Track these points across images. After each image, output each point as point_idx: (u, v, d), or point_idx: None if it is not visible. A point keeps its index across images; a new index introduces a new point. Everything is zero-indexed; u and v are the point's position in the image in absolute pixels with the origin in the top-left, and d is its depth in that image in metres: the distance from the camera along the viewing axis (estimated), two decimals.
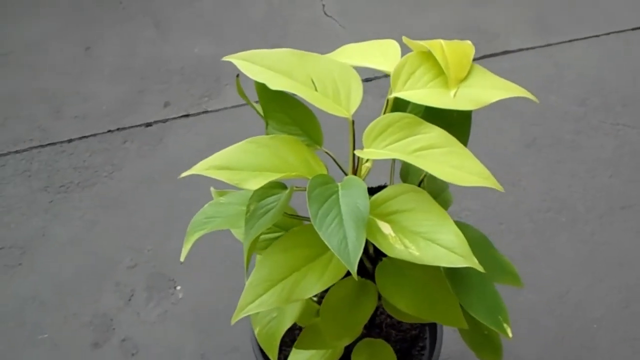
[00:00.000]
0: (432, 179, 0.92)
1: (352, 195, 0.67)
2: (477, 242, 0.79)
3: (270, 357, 0.88)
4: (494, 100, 0.74)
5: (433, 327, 1.12)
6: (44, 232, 1.53)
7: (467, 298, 0.72)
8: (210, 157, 0.72)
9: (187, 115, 1.74)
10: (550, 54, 1.83)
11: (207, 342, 1.35)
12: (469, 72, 0.77)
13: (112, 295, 1.42)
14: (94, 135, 1.70)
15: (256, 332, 0.89)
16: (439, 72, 0.77)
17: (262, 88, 0.78)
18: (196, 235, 0.80)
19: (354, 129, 0.75)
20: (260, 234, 0.80)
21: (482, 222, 1.51)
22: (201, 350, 1.34)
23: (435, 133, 0.71)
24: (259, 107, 0.82)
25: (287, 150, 0.73)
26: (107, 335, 1.37)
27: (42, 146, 1.69)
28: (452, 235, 0.66)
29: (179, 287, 1.43)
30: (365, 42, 0.86)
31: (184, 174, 0.71)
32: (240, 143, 0.74)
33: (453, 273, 0.73)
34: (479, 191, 1.55)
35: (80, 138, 1.70)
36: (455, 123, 0.80)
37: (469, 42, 0.80)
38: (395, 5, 1.98)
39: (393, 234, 0.68)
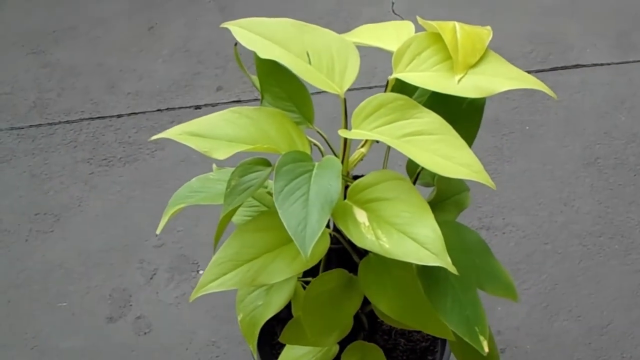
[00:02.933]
0: (446, 177, 0.85)
1: (326, 176, 0.62)
2: (472, 246, 0.72)
3: (249, 345, 0.83)
4: (502, 89, 0.67)
5: (444, 340, 1.05)
6: (79, 203, 1.53)
7: (440, 302, 0.65)
8: (187, 123, 0.68)
9: (238, 101, 1.71)
10: (626, 72, 1.71)
11: (220, 331, 1.31)
12: (482, 59, 0.70)
13: (135, 272, 1.41)
14: (143, 112, 1.70)
15: (239, 318, 0.85)
16: (449, 55, 0.70)
17: (260, 59, 0.73)
18: (176, 208, 0.76)
19: (346, 107, 0.70)
20: (247, 215, 0.76)
21: (527, 239, 1.42)
22: (213, 337, 1.31)
23: (428, 118, 0.65)
24: (257, 80, 0.77)
25: (270, 124, 0.68)
26: (123, 311, 1.35)
27: (92, 119, 1.70)
28: (427, 230, 0.60)
29: (201, 272, 1.40)
30: (382, 23, 0.81)
31: (154, 137, 0.68)
32: (222, 111, 0.70)
33: (427, 273, 0.67)
34: (528, 207, 1.46)
35: (130, 114, 1.70)
36: (464, 115, 0.73)
37: (488, 27, 0.74)
38: (467, 9, 1.90)
39: (367, 223, 0.63)
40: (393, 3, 1.91)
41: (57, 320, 1.35)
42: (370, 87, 1.68)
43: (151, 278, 1.40)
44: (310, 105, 0.73)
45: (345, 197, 0.67)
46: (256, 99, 1.71)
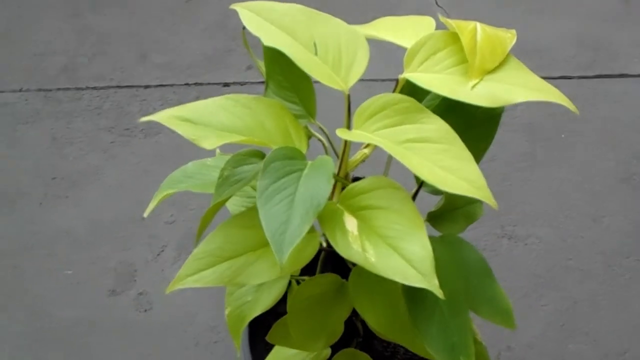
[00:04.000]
0: None
1: (317, 177, 0.58)
2: (472, 265, 0.67)
3: (233, 340, 0.80)
4: (518, 100, 0.62)
5: None
6: (97, 171, 1.51)
7: (425, 326, 0.61)
8: (178, 107, 0.65)
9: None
10: None
11: (222, 316, 1.26)
12: (502, 65, 0.65)
13: (143, 247, 1.38)
14: (171, 85, 1.67)
15: (226, 312, 0.82)
16: (466, 58, 0.65)
17: (267, 46, 0.69)
18: (166, 193, 0.73)
19: (349, 104, 0.65)
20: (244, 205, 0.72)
21: (549, 253, 1.36)
22: (213, 322, 1.28)
23: (435, 125, 0.60)
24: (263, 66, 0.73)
25: (267, 116, 0.64)
26: (126, 285, 1.33)
27: (119, 87, 1.67)
28: (417, 247, 0.55)
29: None
30: (401, 17, 0.75)
31: (144, 119, 0.64)
32: (218, 97, 0.66)
33: (413, 292, 0.62)
34: (554, 219, 1.40)
35: (157, 86, 1.67)
36: (478, 124, 0.68)
37: (512, 30, 0.68)
38: (513, 7, 1.83)
39: (356, 233, 0.58)
40: None
41: (59, 287, 1.33)
42: (383, 80, 1.59)
43: (158, 254, 1.37)
44: (313, 98, 0.68)
45: (337, 200, 0.63)
46: None
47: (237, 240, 0.64)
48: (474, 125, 0.68)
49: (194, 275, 0.64)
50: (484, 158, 1.52)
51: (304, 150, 0.63)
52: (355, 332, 0.90)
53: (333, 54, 0.65)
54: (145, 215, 0.72)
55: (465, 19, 1.90)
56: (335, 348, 0.88)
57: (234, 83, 1.67)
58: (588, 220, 1.41)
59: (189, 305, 1.30)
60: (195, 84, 1.68)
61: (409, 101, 0.61)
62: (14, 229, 1.42)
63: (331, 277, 0.71)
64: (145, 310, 1.30)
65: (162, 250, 1.38)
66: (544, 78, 0.65)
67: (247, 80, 1.68)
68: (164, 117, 0.62)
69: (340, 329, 0.78)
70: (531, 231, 1.39)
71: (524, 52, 1.68)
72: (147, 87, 1.67)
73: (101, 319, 1.29)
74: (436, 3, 1.82)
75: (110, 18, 1.84)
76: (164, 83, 1.68)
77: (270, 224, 0.54)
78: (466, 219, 0.80)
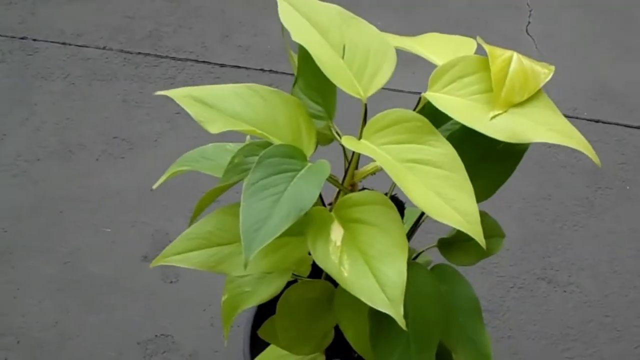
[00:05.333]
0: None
1: (309, 181, 0.57)
2: (461, 302, 0.64)
3: (223, 328, 0.80)
4: (535, 140, 0.59)
5: None
6: (157, 137, 1.54)
7: (384, 354, 0.58)
8: (196, 87, 0.65)
9: None
10: None
11: None
12: (529, 101, 0.62)
13: (183, 220, 1.40)
14: (247, 68, 1.69)
15: (223, 299, 0.81)
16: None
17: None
18: (178, 169, 0.73)
19: (365, 112, 0.64)
20: None
21: (587, 305, 1.30)
22: None
23: (442, 150, 0.58)
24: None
25: (282, 111, 0.63)
26: (159, 254, 1.35)
27: (196, 61, 1.70)
28: (393, 271, 0.54)
29: None
30: (448, 35, 0.73)
31: (157, 93, 0.65)
32: (237, 84, 0.66)
33: (381, 316, 0.59)
34: (600, 272, 1.34)
35: (232, 66, 1.69)
36: (496, 158, 0.66)
37: (551, 67, 0.65)
38: (604, 48, 1.76)
39: (338, 244, 0.57)
40: (529, 22, 1.79)
41: (96, 243, 1.37)
42: (409, 92, 1.55)
43: None
44: (333, 101, 0.67)
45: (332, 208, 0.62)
46: None
47: (229, 228, 0.64)
48: (491, 158, 0.65)
49: (181, 254, 0.64)
50: (537, 194, 1.47)
51: (309, 152, 0.62)
52: None
53: (360, 60, 0.64)
54: (154, 187, 0.72)
55: (554, 51, 1.84)
56: (334, 355, 0.87)
57: None
58: (636, 279, 1.34)
59: (213, 285, 1.31)
60: (270, 71, 1.69)
61: (421, 121, 0.59)
62: (67, 178, 1.46)
63: (322, 284, 0.70)
64: (171, 282, 1.32)
65: None
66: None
67: None
68: (179, 94, 0.62)
69: (330, 336, 0.77)
70: (573, 279, 1.33)
71: (606, 94, 1.62)
72: (223, 65, 1.70)
73: (128, 281, 1.32)
74: (526, 31, 1.77)
75: None
76: (240, 65, 1.70)
77: (248, 218, 0.53)
78: (479, 253, 0.77)
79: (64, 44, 1.70)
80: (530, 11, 1.83)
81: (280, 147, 0.58)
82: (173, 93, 0.63)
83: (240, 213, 0.54)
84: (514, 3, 1.86)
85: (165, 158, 1.50)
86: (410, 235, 0.73)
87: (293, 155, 0.59)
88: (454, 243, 0.76)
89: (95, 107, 1.60)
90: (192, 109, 0.61)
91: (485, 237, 0.79)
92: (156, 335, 1.27)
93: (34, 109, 1.58)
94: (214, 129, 0.60)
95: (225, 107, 0.62)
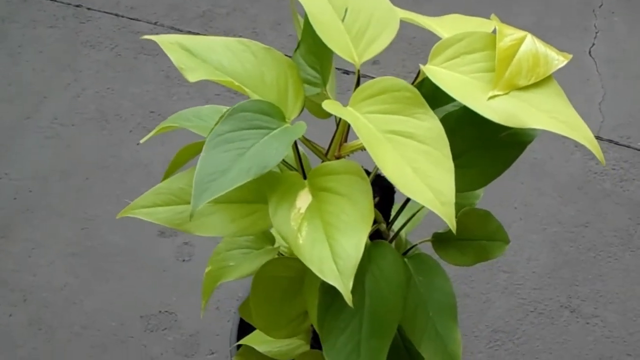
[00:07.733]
0: (483, 215, 0.73)
1: (280, 141, 0.53)
2: (435, 296, 0.59)
3: (202, 298, 0.77)
4: (531, 125, 0.54)
5: None
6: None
7: (330, 333, 0.54)
8: (188, 36, 0.62)
9: None
10: None
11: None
12: (537, 86, 0.57)
13: None
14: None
15: (206, 270, 0.78)
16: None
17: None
18: (169, 125, 0.71)
19: (359, 79, 0.60)
20: None
21: (609, 341, 1.22)
22: (241, 293, 1.25)
23: (427, 124, 0.54)
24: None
25: (271, 69, 0.60)
26: (176, 231, 1.33)
27: None
28: (350, 244, 0.50)
29: None
30: (470, 17, 0.69)
31: (144, 37, 0.62)
32: (229, 38, 0.63)
33: (333, 293, 0.54)
34: (628, 308, 1.26)
35: None
36: (497, 147, 0.61)
37: (569, 55, 0.60)
38: None
39: (302, 211, 0.53)
40: (593, 44, 1.72)
41: (115, 212, 1.35)
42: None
43: None
44: (329, 66, 0.63)
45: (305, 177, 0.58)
46: None
47: None
48: (492, 146, 0.60)
49: (148, 208, 0.62)
50: (575, 220, 1.39)
51: (292, 115, 0.58)
52: None
53: (360, 24, 0.60)
54: (142, 142, 0.70)
55: (614, 77, 1.74)
56: (320, 347, 0.83)
57: (354, 73, 1.64)
58: None
59: None
60: None
61: (411, 92, 0.55)
62: (99, 146, 1.46)
63: (298, 263, 0.66)
64: (184, 260, 1.30)
65: None
66: None
67: (367, 74, 1.64)
68: (165, 40, 0.59)
69: (307, 323, 0.72)
70: (599, 312, 1.25)
71: None
72: None
73: (142, 255, 1.30)
74: (589, 53, 1.70)
75: None
76: (286, 54, 1.67)
77: (205, 168, 0.50)
78: (477, 255, 0.72)
79: (116, 15, 1.71)
80: (596, 33, 1.75)
81: (257, 103, 0.55)
82: (160, 38, 0.60)
83: (199, 162, 0.50)
84: (582, 23, 1.79)
85: (197, 138, 1.50)
86: (392, 219, 0.68)
87: (270, 114, 0.55)
88: (450, 240, 0.71)
89: (137, 80, 1.59)
90: (175, 55, 0.58)
91: (487, 239, 0.74)
92: (160, 311, 1.25)
93: (77, 76, 1.59)
94: (193, 77, 0.57)
95: (211, 58, 0.59)
